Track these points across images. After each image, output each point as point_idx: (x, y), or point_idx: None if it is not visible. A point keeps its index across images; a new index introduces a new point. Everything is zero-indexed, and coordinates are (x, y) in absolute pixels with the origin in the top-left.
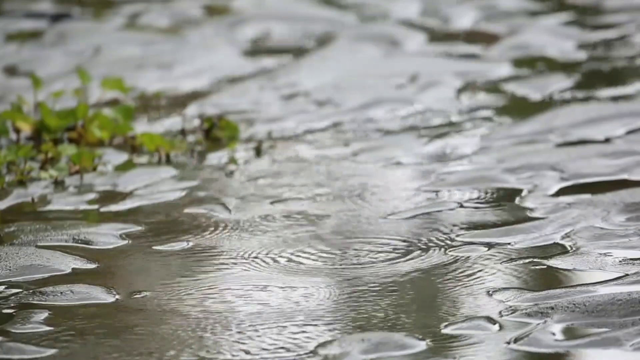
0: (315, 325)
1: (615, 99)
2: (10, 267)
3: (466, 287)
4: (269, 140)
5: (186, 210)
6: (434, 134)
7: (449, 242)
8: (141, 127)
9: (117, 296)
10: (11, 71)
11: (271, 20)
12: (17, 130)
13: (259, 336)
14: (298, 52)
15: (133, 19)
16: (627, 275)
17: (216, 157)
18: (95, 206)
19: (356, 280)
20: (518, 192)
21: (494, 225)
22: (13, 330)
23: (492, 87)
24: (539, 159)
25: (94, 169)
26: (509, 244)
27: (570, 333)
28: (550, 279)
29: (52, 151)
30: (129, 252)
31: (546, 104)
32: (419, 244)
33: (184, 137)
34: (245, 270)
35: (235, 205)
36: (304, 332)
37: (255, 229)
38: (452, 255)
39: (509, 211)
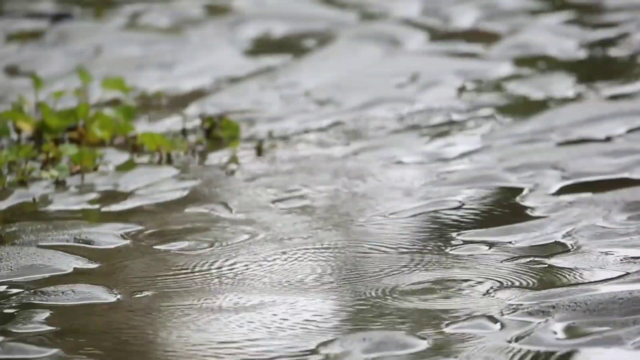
0: (316, 323)
1: (615, 97)
2: (11, 267)
3: (467, 286)
4: (270, 140)
5: (187, 210)
6: (434, 133)
7: (449, 241)
8: (142, 126)
9: (118, 296)
10: (12, 71)
11: (272, 20)
12: (18, 131)
13: (260, 335)
14: (299, 51)
15: (133, 19)
16: (628, 274)
17: (217, 157)
18: (97, 206)
19: (357, 280)
20: (519, 191)
21: (495, 224)
22: (14, 330)
23: (493, 86)
24: (540, 158)
25: (95, 168)
26: (509, 242)
27: (571, 332)
28: (552, 278)
29: (53, 151)
30: (130, 252)
31: (547, 103)
32: (420, 243)
33: (185, 137)
34: (246, 269)
35: (236, 205)
36: (305, 330)
37: (256, 229)
38: (453, 254)
39: (509, 210)
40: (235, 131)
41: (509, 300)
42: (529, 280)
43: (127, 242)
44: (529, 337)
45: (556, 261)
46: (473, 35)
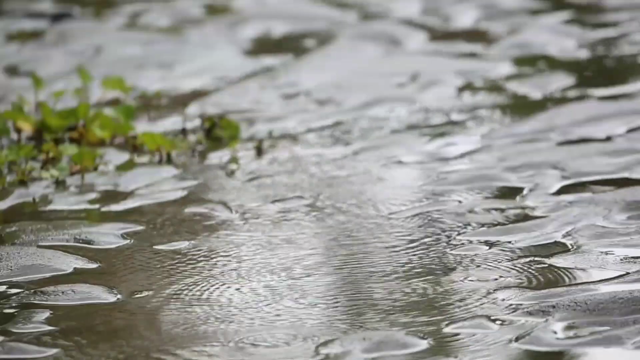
0: (317, 324)
1: (616, 97)
2: (11, 267)
3: (467, 285)
4: (270, 140)
5: (187, 210)
6: (435, 132)
7: (449, 241)
8: (142, 126)
9: (118, 296)
10: (12, 71)
11: (272, 20)
12: (18, 130)
13: (260, 335)
14: (299, 51)
15: (134, 19)
16: (628, 273)
17: (217, 157)
18: (97, 206)
19: (357, 279)
20: (519, 190)
21: (495, 223)
22: (14, 330)
23: (493, 85)
24: (540, 158)
25: (95, 168)
26: (510, 242)
27: (571, 331)
28: (552, 278)
29: (53, 151)
30: (131, 252)
31: (547, 103)
32: (420, 243)
33: (185, 137)
34: (246, 269)
35: (236, 205)
36: (305, 331)
37: (256, 228)
38: (453, 254)
39: (510, 210)
40: (235, 131)
41: (509, 299)
42: (529, 280)
43: (127, 241)
44: (529, 336)
45: (556, 261)
46: (473, 35)
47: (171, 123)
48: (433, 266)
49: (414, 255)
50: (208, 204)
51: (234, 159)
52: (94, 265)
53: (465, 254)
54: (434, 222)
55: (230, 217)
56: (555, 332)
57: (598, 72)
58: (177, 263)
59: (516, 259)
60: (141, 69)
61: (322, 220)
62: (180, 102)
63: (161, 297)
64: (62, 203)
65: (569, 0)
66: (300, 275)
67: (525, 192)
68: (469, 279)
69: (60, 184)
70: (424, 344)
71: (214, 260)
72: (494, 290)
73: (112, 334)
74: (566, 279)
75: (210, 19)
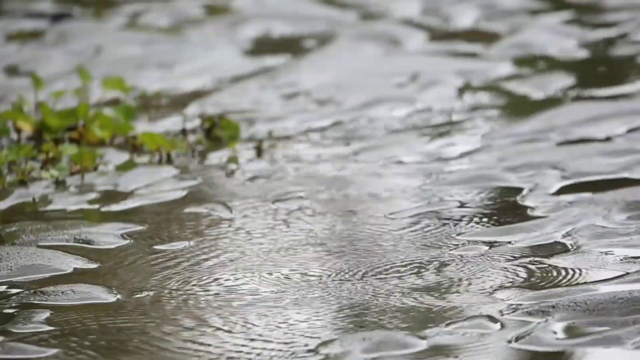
0: (316, 324)
1: (616, 97)
2: (11, 267)
3: (467, 286)
4: (270, 140)
5: (187, 210)
6: (434, 132)
7: (449, 241)
8: (142, 126)
9: (118, 296)
10: (12, 71)
11: (272, 20)
12: (18, 130)
13: (260, 335)
14: (299, 51)
15: (134, 19)
16: (628, 273)
17: (217, 157)
18: (97, 206)
19: (357, 279)
20: (519, 190)
21: (495, 224)
22: (14, 330)
23: (493, 86)
24: (540, 158)
25: (95, 168)
26: (509, 242)
27: (571, 331)
28: (551, 278)
29: (53, 151)
30: (130, 252)
31: (547, 103)
32: (420, 243)
33: (185, 137)
34: (246, 270)
35: (236, 205)
36: (305, 331)
37: (256, 229)
38: (453, 254)
39: (509, 210)
40: (235, 131)
41: (508, 300)
42: (528, 280)
43: (127, 242)
44: (529, 337)
45: (556, 261)
46: (473, 35)
47: (171, 123)
48: (433, 266)
49: (414, 255)
50: (208, 204)
51: (233, 159)
52: (94, 265)
53: (465, 254)
54: (433, 222)
55: (230, 217)
56: (555, 332)
57: (598, 72)
58: (176, 263)
59: (516, 259)
60: (141, 69)
61: (322, 220)
62: (180, 102)
63: (161, 297)
64: (62, 203)
65: (569, 0)
66: (300, 275)
67: (525, 192)
68: (469, 279)
69: (60, 184)
70: (424, 344)
71: (214, 260)
72: (494, 290)
73: (112, 334)
74: (566, 279)
75: (210, 19)
